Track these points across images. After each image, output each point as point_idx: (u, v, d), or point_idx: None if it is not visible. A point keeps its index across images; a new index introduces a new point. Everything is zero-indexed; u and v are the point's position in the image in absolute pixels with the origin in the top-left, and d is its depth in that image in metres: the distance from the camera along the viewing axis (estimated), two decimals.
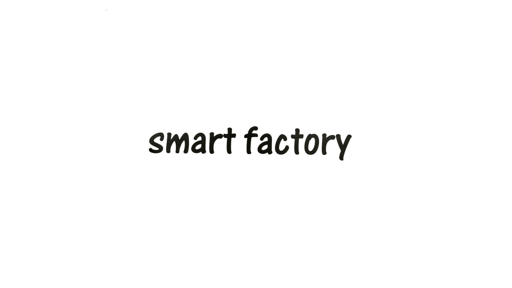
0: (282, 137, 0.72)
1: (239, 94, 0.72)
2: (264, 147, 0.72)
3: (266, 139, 0.72)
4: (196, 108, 0.72)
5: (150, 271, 0.71)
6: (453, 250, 0.71)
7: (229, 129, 0.72)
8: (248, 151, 0.72)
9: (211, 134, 0.72)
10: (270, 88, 0.72)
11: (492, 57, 0.72)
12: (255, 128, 0.72)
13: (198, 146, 0.71)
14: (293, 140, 0.72)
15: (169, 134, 0.71)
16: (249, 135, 0.72)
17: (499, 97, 0.72)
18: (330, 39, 0.72)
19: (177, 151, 0.71)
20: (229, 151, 0.71)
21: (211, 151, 0.71)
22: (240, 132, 0.72)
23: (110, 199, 0.71)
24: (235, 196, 0.71)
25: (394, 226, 0.71)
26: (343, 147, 0.72)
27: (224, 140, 0.71)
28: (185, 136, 0.71)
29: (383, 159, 0.71)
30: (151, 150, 0.71)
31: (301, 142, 0.72)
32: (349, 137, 0.72)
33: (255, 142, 0.72)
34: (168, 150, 0.71)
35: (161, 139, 0.71)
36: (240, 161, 0.72)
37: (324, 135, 0.72)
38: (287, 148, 0.72)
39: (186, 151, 0.71)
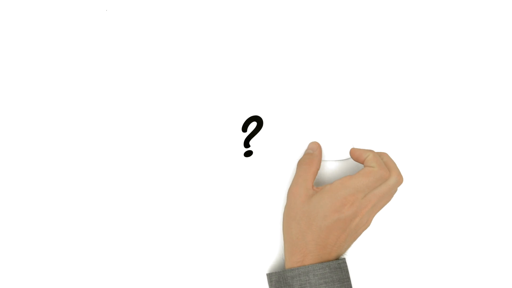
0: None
1: (239, 94, 0.72)
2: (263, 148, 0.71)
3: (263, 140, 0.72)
4: (195, 109, 0.71)
5: (147, 272, 0.68)
6: (452, 251, 0.71)
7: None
8: (247, 154, 0.71)
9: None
10: (269, 91, 0.72)
11: (492, 58, 0.73)
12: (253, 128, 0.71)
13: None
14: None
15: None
16: (247, 142, 0.71)
17: (500, 99, 0.72)
18: (329, 40, 0.73)
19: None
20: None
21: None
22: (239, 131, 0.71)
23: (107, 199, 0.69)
24: (235, 197, 0.70)
25: (394, 226, 0.70)
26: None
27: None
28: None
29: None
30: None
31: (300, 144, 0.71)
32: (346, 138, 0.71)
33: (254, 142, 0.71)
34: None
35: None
36: (239, 161, 0.70)
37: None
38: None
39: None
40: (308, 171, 0.66)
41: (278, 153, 0.70)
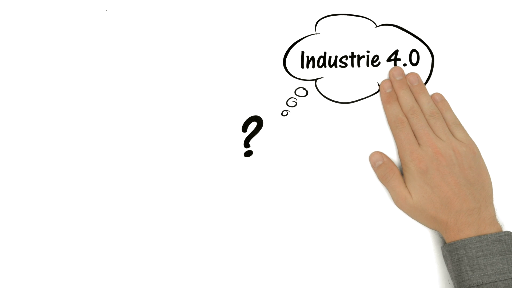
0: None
1: (239, 94, 0.72)
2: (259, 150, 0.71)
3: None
4: (195, 109, 0.71)
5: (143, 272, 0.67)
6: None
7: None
8: (247, 154, 0.70)
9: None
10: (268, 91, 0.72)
11: (492, 58, 0.72)
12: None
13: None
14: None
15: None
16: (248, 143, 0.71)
17: (500, 100, 0.72)
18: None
19: None
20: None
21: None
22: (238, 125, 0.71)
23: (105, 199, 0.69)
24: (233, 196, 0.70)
25: (394, 227, 0.69)
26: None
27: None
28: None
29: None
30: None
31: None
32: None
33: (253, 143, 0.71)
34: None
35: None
36: (239, 161, 0.70)
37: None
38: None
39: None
40: (397, 184, 0.68)
41: (278, 153, 0.70)
